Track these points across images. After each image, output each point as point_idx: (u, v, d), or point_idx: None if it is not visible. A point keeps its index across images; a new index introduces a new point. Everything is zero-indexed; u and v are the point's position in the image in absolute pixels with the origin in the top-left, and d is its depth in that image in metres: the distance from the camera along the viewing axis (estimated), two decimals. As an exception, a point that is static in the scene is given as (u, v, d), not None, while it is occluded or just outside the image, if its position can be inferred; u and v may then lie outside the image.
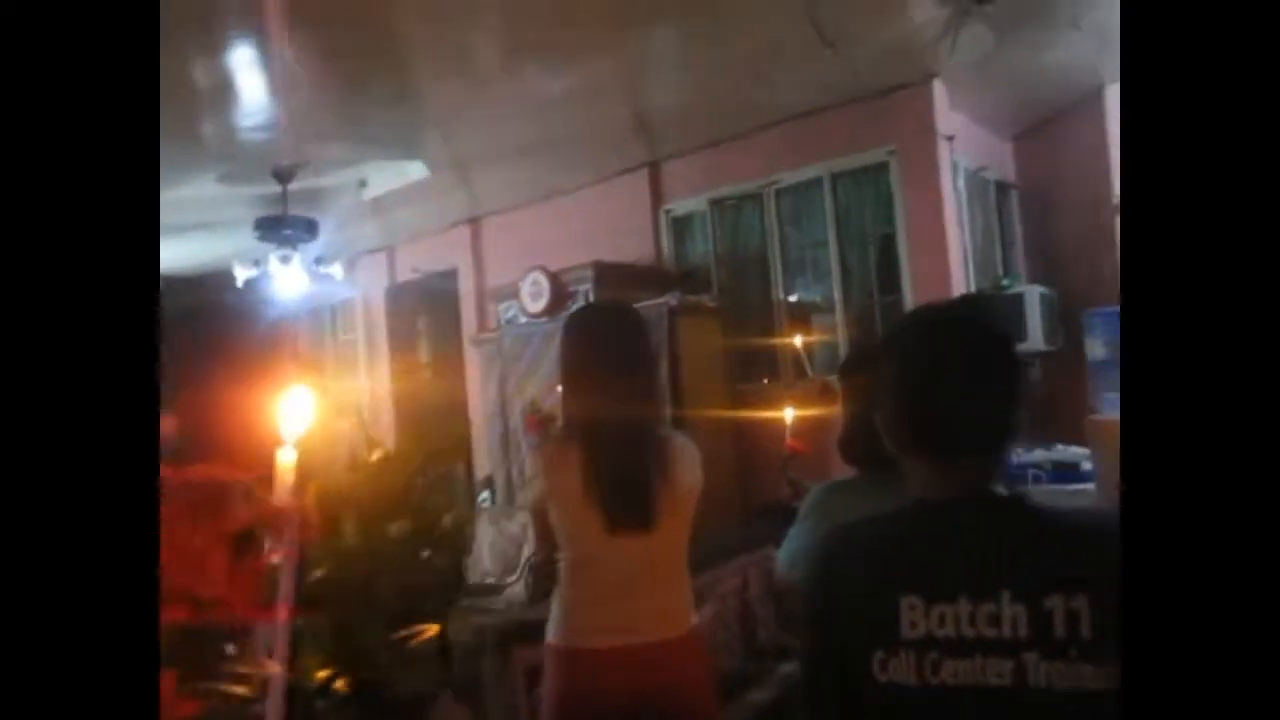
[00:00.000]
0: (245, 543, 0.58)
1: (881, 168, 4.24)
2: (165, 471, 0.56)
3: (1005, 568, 0.84)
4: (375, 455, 0.68)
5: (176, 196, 4.42)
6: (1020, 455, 3.59)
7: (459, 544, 0.74)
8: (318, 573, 0.56)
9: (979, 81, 4.04)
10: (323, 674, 0.59)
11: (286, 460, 0.59)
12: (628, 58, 3.56)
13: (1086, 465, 3.48)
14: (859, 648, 0.86)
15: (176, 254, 5.62)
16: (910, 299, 4.11)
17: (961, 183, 4.21)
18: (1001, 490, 0.92)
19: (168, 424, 0.77)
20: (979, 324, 0.97)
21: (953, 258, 4.06)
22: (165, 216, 4.73)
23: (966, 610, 0.83)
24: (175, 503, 0.54)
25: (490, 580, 4.01)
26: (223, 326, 0.88)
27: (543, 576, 1.84)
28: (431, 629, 0.69)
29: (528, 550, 4.04)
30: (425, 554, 0.69)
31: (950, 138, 4.05)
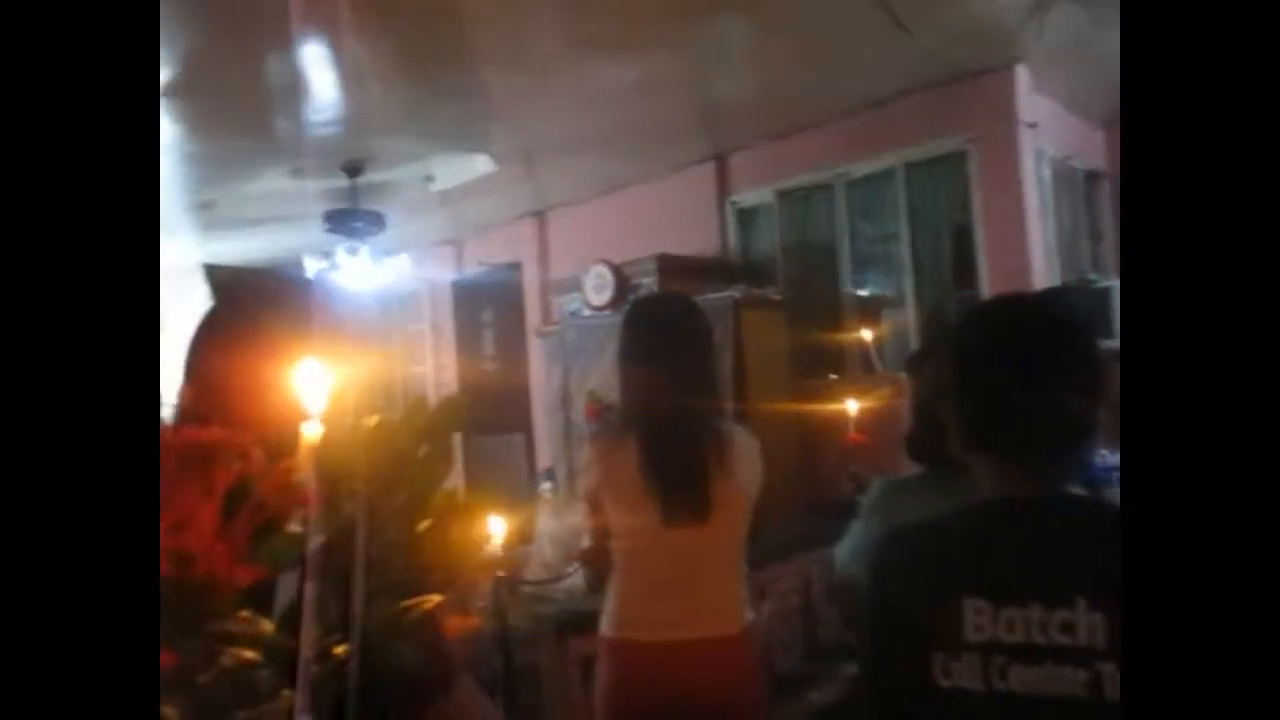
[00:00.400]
0: (237, 503, 0.57)
1: (959, 157, 4.07)
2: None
3: (1081, 573, 0.77)
4: (372, 422, 0.66)
5: (249, 191, 4.57)
6: (1105, 457, 3.39)
7: (467, 516, 0.72)
8: (318, 540, 0.54)
9: (1067, 65, 3.83)
10: (324, 641, 0.57)
11: (311, 434, 0.57)
12: (693, 48, 3.51)
13: (1177, 470, 3.26)
14: (919, 650, 0.81)
15: (249, 247, 5.83)
16: (988, 293, 3.93)
17: (1046, 172, 4.00)
18: (1078, 491, 0.85)
19: (186, 394, 0.76)
20: (1054, 315, 0.90)
21: (1034, 250, 3.87)
22: (238, 210, 4.94)
23: (1038, 616, 0.77)
24: (164, 460, 0.52)
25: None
26: (277, 313, 0.88)
27: (593, 566, 1.82)
28: (432, 599, 0.67)
29: (587, 541, 4.06)
30: (423, 525, 0.67)
31: (1033, 125, 3.86)
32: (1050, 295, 2.94)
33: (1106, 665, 0.74)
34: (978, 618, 0.78)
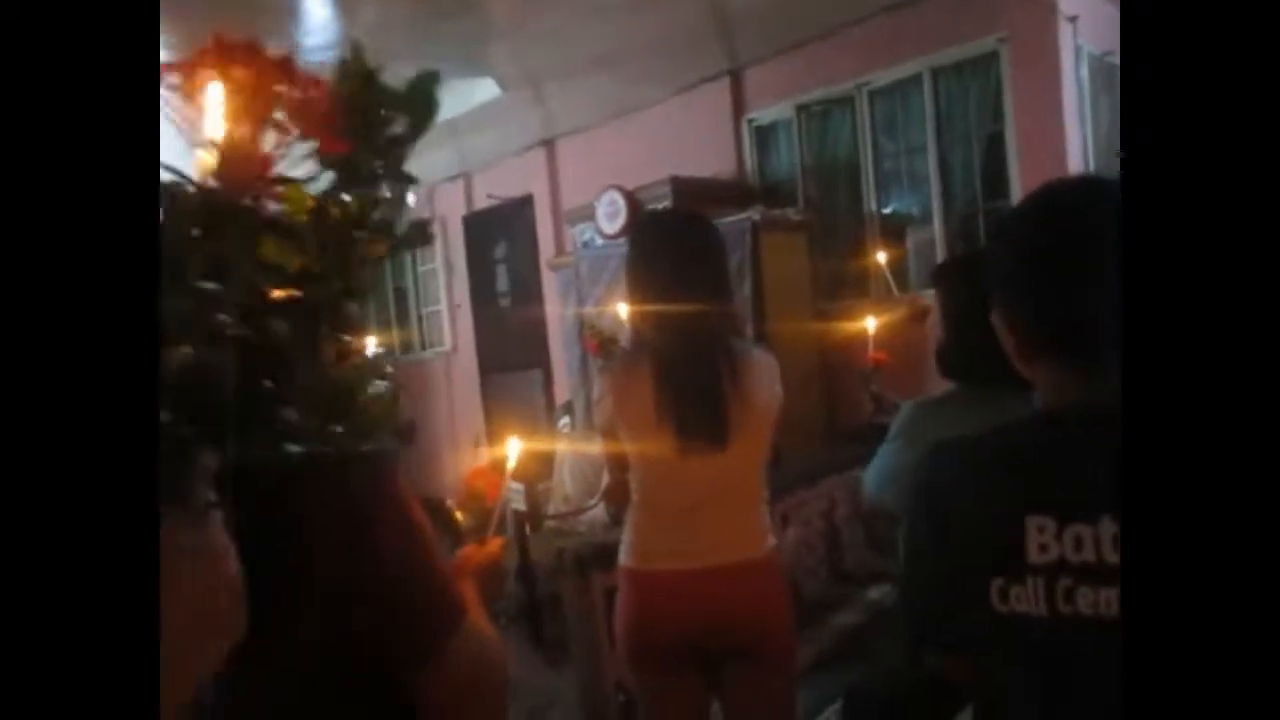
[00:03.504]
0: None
1: (990, 58, 3.82)
2: None
3: None
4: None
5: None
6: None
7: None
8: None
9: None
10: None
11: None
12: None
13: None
14: (975, 574, 0.74)
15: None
16: (1019, 205, 3.74)
17: (1084, 71, 3.75)
18: None
19: None
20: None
21: (1072, 155, 3.65)
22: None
23: (1110, 532, 0.68)
24: None
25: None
26: None
27: (614, 500, 1.76)
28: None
29: (607, 476, 4.02)
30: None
31: (1073, 19, 3.59)
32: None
33: None
34: (1042, 536, 0.70)
